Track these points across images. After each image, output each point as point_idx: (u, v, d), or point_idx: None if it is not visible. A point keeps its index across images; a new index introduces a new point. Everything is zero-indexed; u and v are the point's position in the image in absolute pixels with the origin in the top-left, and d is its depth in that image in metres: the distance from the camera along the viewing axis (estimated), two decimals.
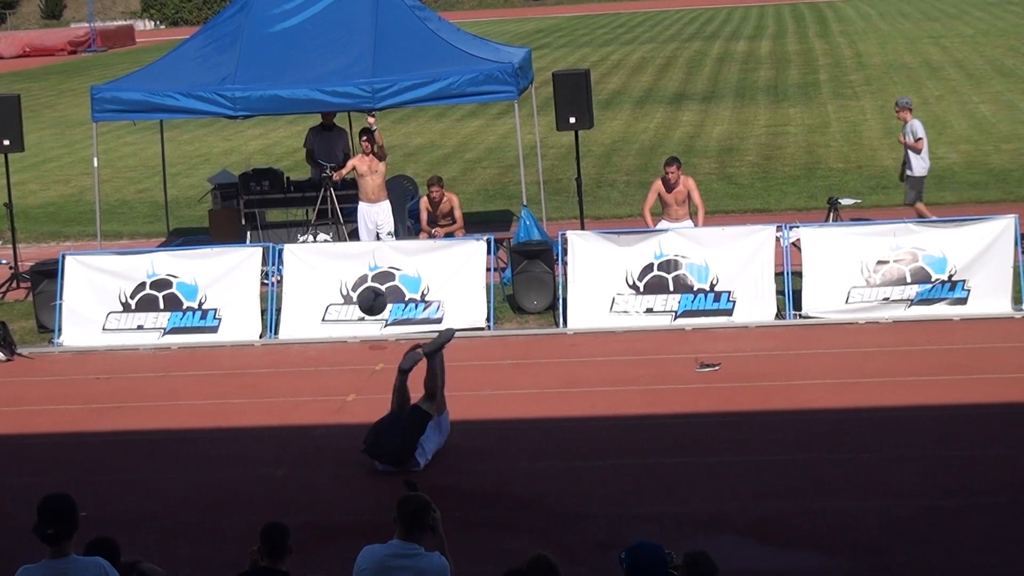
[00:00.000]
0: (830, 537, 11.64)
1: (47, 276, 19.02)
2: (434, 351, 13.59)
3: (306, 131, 23.39)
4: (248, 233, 21.57)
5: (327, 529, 12.26)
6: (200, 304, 18.44)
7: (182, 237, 23.99)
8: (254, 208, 21.86)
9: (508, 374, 16.64)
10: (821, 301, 17.77)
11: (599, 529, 11.99)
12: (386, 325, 18.19)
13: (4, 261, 22.52)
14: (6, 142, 21.25)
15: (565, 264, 18.44)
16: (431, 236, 20.30)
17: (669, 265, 18.03)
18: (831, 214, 20.43)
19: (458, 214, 20.72)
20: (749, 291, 17.87)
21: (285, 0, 21.36)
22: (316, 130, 22.73)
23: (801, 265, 17.96)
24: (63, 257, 18.90)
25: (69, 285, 18.63)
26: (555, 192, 25.93)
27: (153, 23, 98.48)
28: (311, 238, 20.90)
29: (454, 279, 18.30)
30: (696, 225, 19.40)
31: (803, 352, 16.74)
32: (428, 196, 20.76)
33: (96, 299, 18.59)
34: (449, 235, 20.20)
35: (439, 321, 18.15)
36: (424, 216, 20.75)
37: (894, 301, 17.65)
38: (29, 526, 7.99)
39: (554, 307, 18.58)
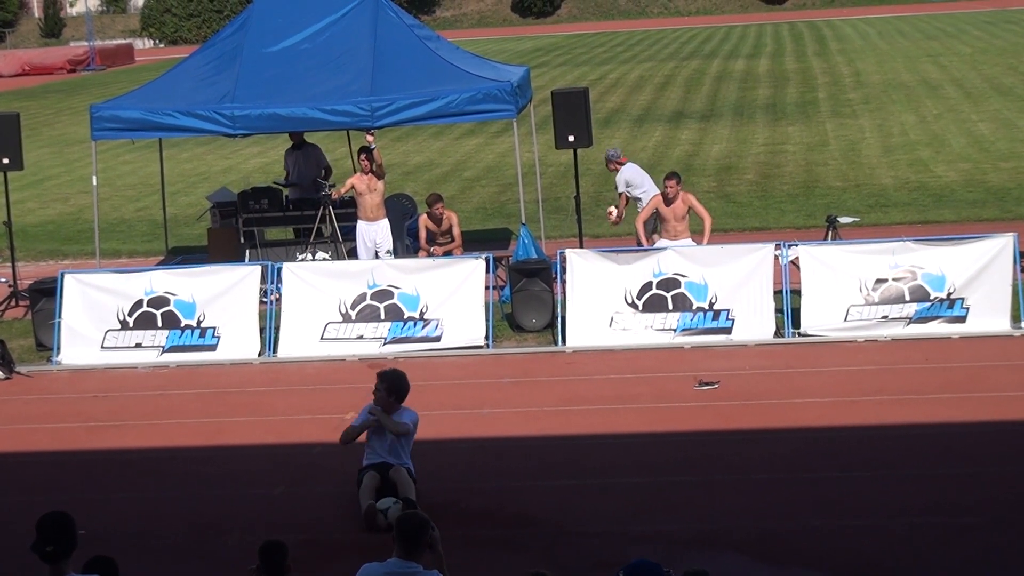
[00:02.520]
0: (829, 555, 11.62)
1: (46, 294, 19.01)
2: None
3: None
4: (247, 251, 21.58)
5: (326, 547, 12.25)
6: (199, 322, 18.43)
7: (181, 255, 24.02)
8: (253, 226, 21.87)
9: (507, 392, 16.63)
10: (820, 319, 17.77)
11: (599, 547, 11.97)
12: (385, 343, 18.19)
13: (3, 279, 22.53)
14: (5, 160, 21.25)
15: (564, 282, 18.44)
16: (430, 254, 20.31)
17: (668, 283, 18.02)
18: (830, 232, 20.44)
19: (456, 232, 20.74)
20: (748, 309, 17.87)
21: (284, 19, 21.39)
22: (289, 151, 22.90)
23: (800, 283, 17.96)
24: (62, 275, 18.89)
25: (68, 303, 18.62)
26: (554, 210, 25.95)
27: (152, 42, 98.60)
28: (310, 256, 20.90)
29: (453, 297, 18.29)
30: (703, 234, 19.28)
31: (802, 370, 16.74)
32: (430, 213, 20.75)
33: (95, 317, 18.59)
34: (447, 253, 20.21)
35: (438, 339, 18.16)
36: (423, 234, 20.75)
37: (893, 319, 17.66)
38: (28, 544, 7.99)
39: (553, 325, 18.58)
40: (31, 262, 24.88)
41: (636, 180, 20.87)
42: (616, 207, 21.01)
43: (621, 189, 20.88)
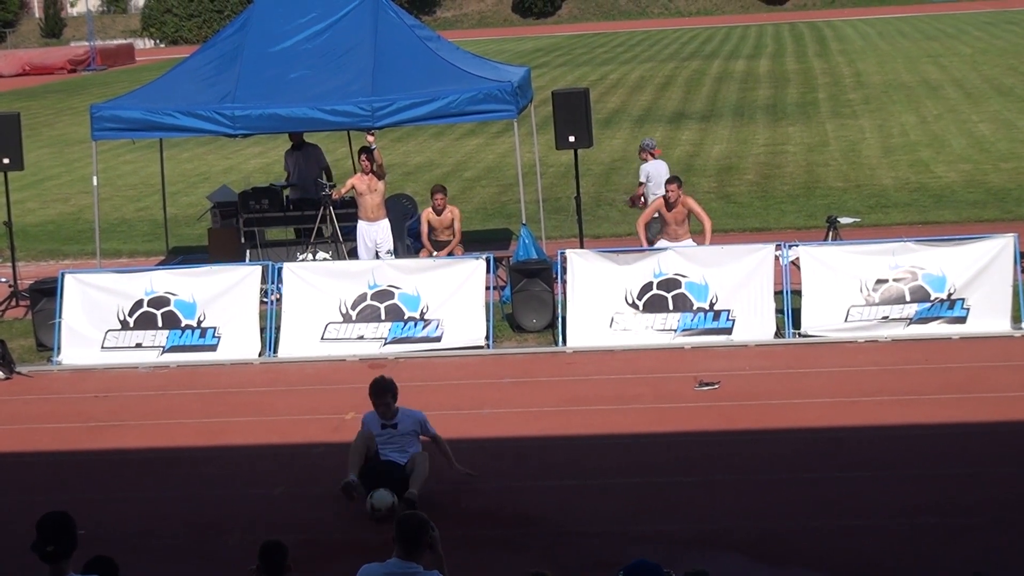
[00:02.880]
0: (829, 555, 11.62)
1: (46, 294, 19.01)
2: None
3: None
4: (247, 251, 21.58)
5: (326, 547, 12.25)
6: (199, 322, 18.43)
7: (181, 255, 24.02)
8: (253, 226, 21.87)
9: (507, 392, 16.63)
10: (820, 320, 17.77)
11: (599, 548, 11.98)
12: (385, 343, 18.19)
13: (3, 279, 22.52)
14: (5, 160, 21.24)
15: (564, 283, 18.44)
16: (431, 254, 20.32)
17: (668, 284, 18.03)
18: (830, 233, 20.44)
19: (457, 227, 20.78)
20: (748, 310, 17.87)
21: (285, 19, 21.40)
22: (289, 152, 22.90)
23: (800, 284, 17.96)
24: (62, 275, 18.89)
25: (68, 303, 18.62)
26: (554, 211, 25.95)
27: (153, 42, 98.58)
28: (310, 256, 20.91)
29: (453, 297, 18.29)
30: (706, 236, 19.29)
31: (802, 371, 16.74)
32: (432, 206, 20.78)
33: (95, 317, 18.58)
34: (449, 253, 20.22)
35: (438, 339, 18.16)
36: (424, 229, 20.79)
37: (893, 320, 17.66)
38: (28, 544, 7.99)
39: (553, 326, 18.58)
40: (31, 262, 24.88)
41: (656, 179, 20.94)
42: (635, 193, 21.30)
43: (642, 179, 21.02)
